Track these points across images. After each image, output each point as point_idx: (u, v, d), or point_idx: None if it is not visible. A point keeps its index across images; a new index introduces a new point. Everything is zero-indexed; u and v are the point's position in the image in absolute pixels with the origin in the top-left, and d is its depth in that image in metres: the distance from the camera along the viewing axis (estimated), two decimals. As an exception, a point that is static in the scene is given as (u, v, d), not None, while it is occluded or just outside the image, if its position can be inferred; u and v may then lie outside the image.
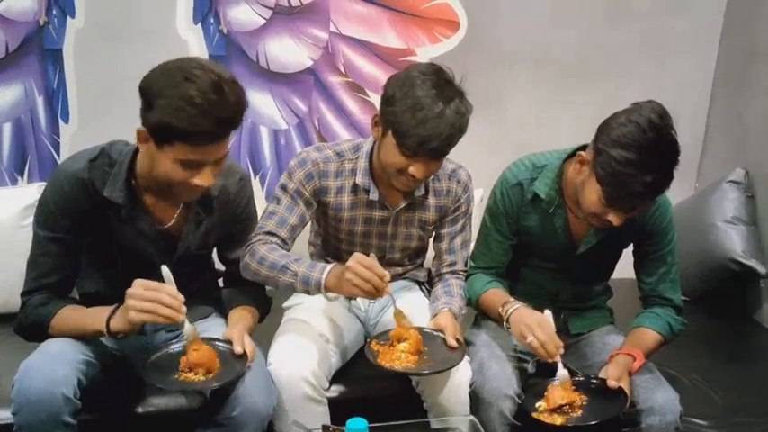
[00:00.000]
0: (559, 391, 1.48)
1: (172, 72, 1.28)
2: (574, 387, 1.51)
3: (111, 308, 1.39)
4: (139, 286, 1.33)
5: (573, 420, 1.43)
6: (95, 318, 1.40)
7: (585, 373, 1.55)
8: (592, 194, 1.46)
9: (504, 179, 1.70)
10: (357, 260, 1.41)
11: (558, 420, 1.43)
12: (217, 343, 1.46)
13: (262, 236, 1.59)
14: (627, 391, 1.48)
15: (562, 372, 1.50)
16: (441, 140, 1.46)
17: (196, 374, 1.38)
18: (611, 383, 1.47)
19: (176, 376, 1.38)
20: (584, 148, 1.56)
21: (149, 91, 1.29)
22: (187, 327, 1.39)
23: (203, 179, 1.35)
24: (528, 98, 2.53)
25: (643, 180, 1.37)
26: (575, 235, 1.67)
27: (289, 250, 1.63)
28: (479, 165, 1.86)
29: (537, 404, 1.48)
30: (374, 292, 1.41)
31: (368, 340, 1.58)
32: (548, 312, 1.54)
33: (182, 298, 1.34)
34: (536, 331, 1.48)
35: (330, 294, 1.55)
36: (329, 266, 1.49)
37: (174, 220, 1.51)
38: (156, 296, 1.32)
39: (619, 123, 1.41)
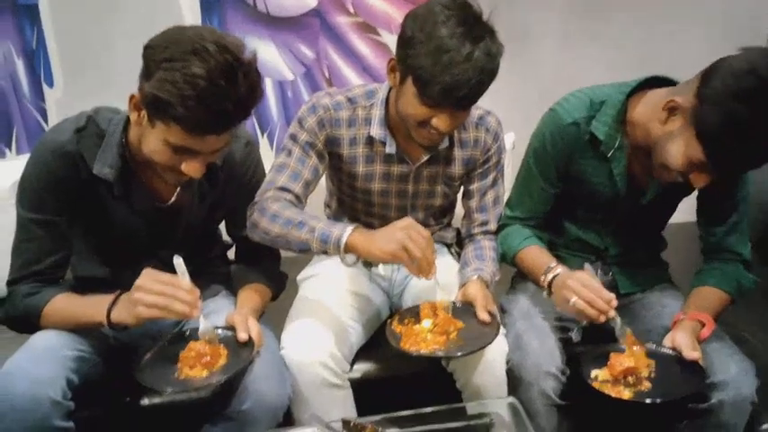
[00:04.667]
0: (623, 355, 1.32)
1: (183, 40, 1.14)
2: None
3: (111, 297, 1.28)
4: (150, 278, 1.21)
5: (641, 395, 1.26)
6: (94, 308, 1.29)
7: (653, 341, 1.39)
8: (681, 151, 1.29)
9: (557, 117, 1.50)
10: (410, 223, 1.30)
11: (625, 394, 1.26)
12: (219, 331, 1.34)
13: (273, 192, 1.44)
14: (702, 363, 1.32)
15: (620, 327, 1.35)
16: (469, 88, 1.29)
17: (198, 369, 1.25)
18: (691, 355, 1.30)
19: (176, 374, 1.25)
20: (652, 81, 1.39)
21: (152, 56, 1.16)
22: (203, 325, 1.29)
23: (192, 169, 1.24)
24: (558, 32, 2.33)
25: (760, 145, 1.20)
26: (635, 182, 1.50)
27: (302, 209, 1.49)
28: (507, 108, 1.70)
29: (593, 374, 1.32)
30: (422, 264, 1.28)
31: (388, 321, 1.44)
32: (587, 266, 1.41)
33: (197, 292, 1.23)
34: (580, 291, 1.33)
35: (348, 258, 1.41)
36: (353, 225, 1.34)
37: (175, 197, 1.40)
38: (169, 291, 1.20)
39: (736, 70, 1.20)
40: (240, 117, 1.20)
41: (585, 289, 1.32)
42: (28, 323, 1.35)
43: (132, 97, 1.21)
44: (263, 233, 1.40)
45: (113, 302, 1.27)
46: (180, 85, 1.12)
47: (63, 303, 1.34)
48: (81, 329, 1.33)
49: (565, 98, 1.52)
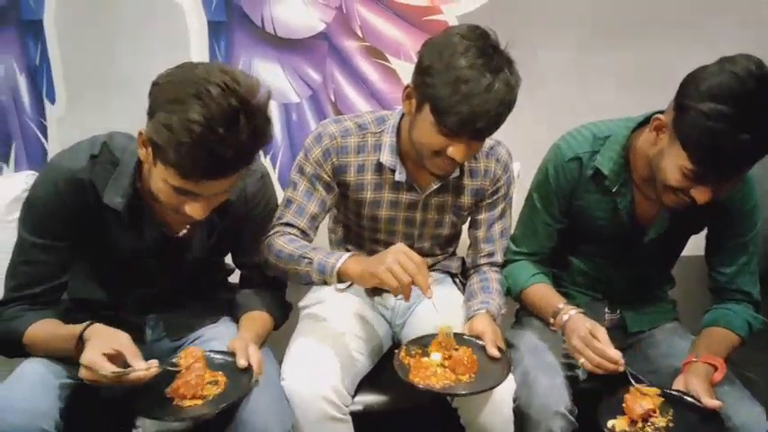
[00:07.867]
0: (640, 398, 1.28)
1: (188, 80, 1.11)
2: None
3: (77, 333, 1.20)
4: (94, 365, 1.13)
5: None
6: (66, 346, 1.23)
7: (664, 386, 1.35)
8: (673, 166, 1.27)
9: (559, 152, 1.50)
10: (401, 248, 1.29)
11: None
12: (217, 356, 1.30)
13: (279, 227, 1.48)
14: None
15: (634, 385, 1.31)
16: (488, 119, 1.28)
17: (192, 399, 1.21)
18: (711, 403, 1.26)
19: (173, 402, 1.21)
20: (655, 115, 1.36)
21: (156, 96, 1.14)
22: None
23: (194, 211, 1.20)
24: (569, 60, 2.31)
25: (740, 139, 1.17)
26: (641, 218, 1.48)
27: (310, 242, 1.49)
28: (516, 137, 1.66)
29: (610, 424, 1.27)
30: (409, 289, 1.25)
31: (396, 351, 1.39)
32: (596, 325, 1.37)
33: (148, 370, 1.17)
34: (586, 354, 1.32)
35: (340, 285, 1.40)
36: (349, 254, 1.37)
37: (186, 230, 1.36)
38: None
39: (710, 73, 1.21)
40: (241, 164, 1.15)
41: (590, 351, 1.31)
42: (12, 347, 1.30)
43: (140, 134, 1.18)
44: (274, 269, 1.43)
45: (79, 339, 1.20)
46: (176, 131, 1.08)
47: (40, 333, 1.27)
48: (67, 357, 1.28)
49: (569, 133, 1.51)
